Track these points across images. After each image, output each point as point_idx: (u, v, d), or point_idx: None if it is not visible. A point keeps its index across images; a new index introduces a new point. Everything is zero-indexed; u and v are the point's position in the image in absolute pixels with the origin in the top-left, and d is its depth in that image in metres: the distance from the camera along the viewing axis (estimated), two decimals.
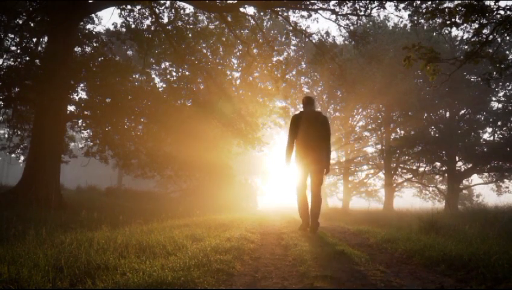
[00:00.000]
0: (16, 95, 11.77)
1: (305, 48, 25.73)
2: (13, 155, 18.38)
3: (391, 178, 27.11)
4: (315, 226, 5.98)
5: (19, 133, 15.82)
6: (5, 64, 12.77)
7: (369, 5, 12.31)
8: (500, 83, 22.92)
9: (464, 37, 22.67)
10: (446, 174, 24.60)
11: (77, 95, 15.67)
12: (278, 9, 13.25)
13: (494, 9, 5.80)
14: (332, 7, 12.77)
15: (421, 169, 25.58)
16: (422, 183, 28.80)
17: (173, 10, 14.81)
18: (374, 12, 13.03)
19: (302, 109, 6.36)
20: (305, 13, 13.37)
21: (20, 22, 12.82)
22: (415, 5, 11.72)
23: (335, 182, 35.03)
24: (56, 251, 3.52)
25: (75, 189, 20.37)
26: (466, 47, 19.68)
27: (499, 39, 7.58)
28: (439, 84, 9.28)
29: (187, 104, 16.29)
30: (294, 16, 24.68)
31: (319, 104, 29.87)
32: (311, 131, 5.94)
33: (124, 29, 16.30)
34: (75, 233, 4.67)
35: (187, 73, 17.69)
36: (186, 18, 15.47)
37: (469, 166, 23.62)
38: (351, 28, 13.29)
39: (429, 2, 10.64)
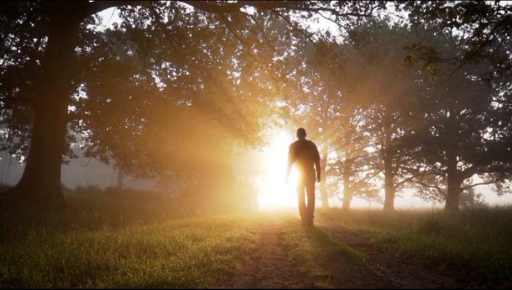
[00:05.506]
0: (17, 95, 11.77)
1: (306, 48, 25.70)
2: (14, 155, 18.40)
3: (391, 178, 27.10)
4: (311, 220, 7.79)
5: (20, 133, 15.83)
6: (5, 64, 12.78)
7: (370, 5, 12.30)
8: (501, 83, 22.91)
9: (465, 37, 22.70)
10: (446, 174, 24.59)
11: (77, 95, 15.71)
12: (278, 9, 13.24)
13: (495, 9, 5.79)
14: (332, 7, 12.76)
15: (422, 169, 25.57)
16: (422, 183, 28.78)
17: (173, 10, 14.81)
18: (375, 12, 13.04)
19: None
20: (305, 13, 13.36)
21: (21, 22, 12.82)
22: (415, 4, 11.70)
23: (335, 182, 35.01)
24: (57, 251, 3.52)
25: (75, 189, 20.39)
26: (466, 47, 19.69)
27: (499, 39, 7.57)
28: (440, 84, 9.26)
29: (187, 104, 16.25)
30: (294, 16, 24.70)
31: (319, 104, 29.86)
32: (305, 154, 7.92)
33: (124, 29, 16.31)
34: (76, 233, 4.67)
35: (187, 73, 17.67)
36: (187, 18, 15.47)
37: (469, 166, 23.60)
38: (352, 27, 13.28)
39: (429, 2, 10.63)
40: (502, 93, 24.07)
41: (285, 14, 13.69)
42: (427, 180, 29.05)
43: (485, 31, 6.21)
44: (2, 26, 12.46)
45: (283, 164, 8.34)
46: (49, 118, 10.49)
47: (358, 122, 29.44)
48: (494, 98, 24.36)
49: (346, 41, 21.18)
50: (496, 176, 24.19)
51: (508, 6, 5.69)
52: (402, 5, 11.93)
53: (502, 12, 5.82)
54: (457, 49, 22.12)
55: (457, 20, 5.93)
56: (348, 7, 12.60)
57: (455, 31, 46.19)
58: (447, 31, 21.31)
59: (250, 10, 63.08)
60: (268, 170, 35.79)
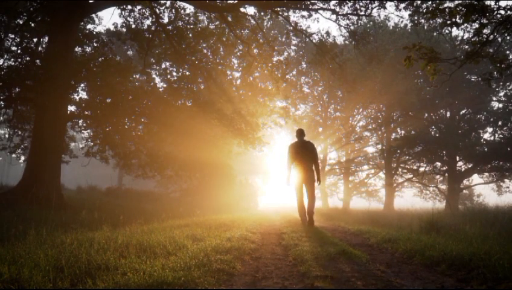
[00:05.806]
0: (17, 95, 11.76)
1: (306, 48, 25.70)
2: (14, 155, 18.40)
3: (392, 178, 27.10)
4: (311, 221, 7.74)
5: (20, 133, 15.83)
6: (5, 64, 12.79)
7: (370, 5, 12.30)
8: (501, 83, 22.91)
9: (465, 37, 22.69)
10: (446, 174, 24.58)
11: (78, 95, 15.69)
12: (278, 9, 13.24)
13: (495, 9, 5.79)
14: (332, 7, 12.77)
15: (422, 169, 25.57)
16: (422, 183, 28.78)
17: (173, 10, 14.82)
18: (375, 12, 13.04)
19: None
20: (305, 13, 13.36)
21: (21, 22, 12.83)
22: (415, 4, 11.70)
23: (335, 182, 35.02)
24: (57, 251, 3.52)
25: (75, 189, 20.39)
26: (466, 47, 19.68)
27: (499, 39, 7.58)
28: (440, 84, 9.27)
29: (187, 104, 16.25)
30: (294, 16, 24.73)
31: (320, 104, 29.88)
32: (303, 155, 7.94)
33: (124, 29, 16.32)
34: (76, 233, 4.67)
35: (187, 73, 17.67)
36: (187, 18, 15.48)
37: (469, 166, 23.60)
38: (352, 27, 13.28)
39: (429, 2, 10.63)
40: (502, 93, 24.10)
41: (285, 14, 13.69)
42: (427, 180, 29.05)
43: (485, 31, 6.22)
44: (2, 26, 12.47)
45: (283, 164, 8.35)
46: (49, 118, 10.48)
47: (358, 122, 29.47)
48: (494, 98, 24.37)
49: (346, 41, 21.20)
50: (496, 176, 24.20)
51: (508, 6, 5.69)
52: (402, 5, 11.94)
53: (502, 12, 5.83)
54: (457, 49, 22.12)
55: (457, 20, 5.94)
56: (348, 7, 12.61)
57: (455, 31, 46.23)
58: (447, 31, 21.32)
59: (250, 10, 63.11)
60: (268, 170, 35.83)
